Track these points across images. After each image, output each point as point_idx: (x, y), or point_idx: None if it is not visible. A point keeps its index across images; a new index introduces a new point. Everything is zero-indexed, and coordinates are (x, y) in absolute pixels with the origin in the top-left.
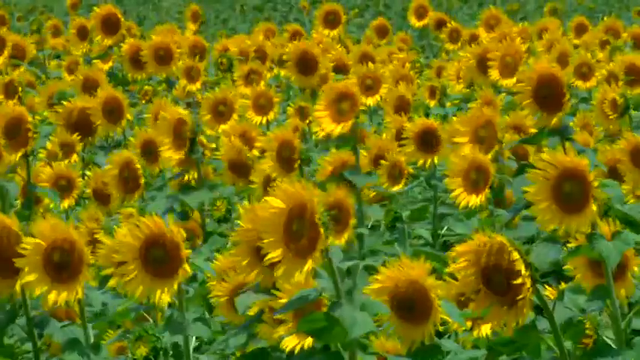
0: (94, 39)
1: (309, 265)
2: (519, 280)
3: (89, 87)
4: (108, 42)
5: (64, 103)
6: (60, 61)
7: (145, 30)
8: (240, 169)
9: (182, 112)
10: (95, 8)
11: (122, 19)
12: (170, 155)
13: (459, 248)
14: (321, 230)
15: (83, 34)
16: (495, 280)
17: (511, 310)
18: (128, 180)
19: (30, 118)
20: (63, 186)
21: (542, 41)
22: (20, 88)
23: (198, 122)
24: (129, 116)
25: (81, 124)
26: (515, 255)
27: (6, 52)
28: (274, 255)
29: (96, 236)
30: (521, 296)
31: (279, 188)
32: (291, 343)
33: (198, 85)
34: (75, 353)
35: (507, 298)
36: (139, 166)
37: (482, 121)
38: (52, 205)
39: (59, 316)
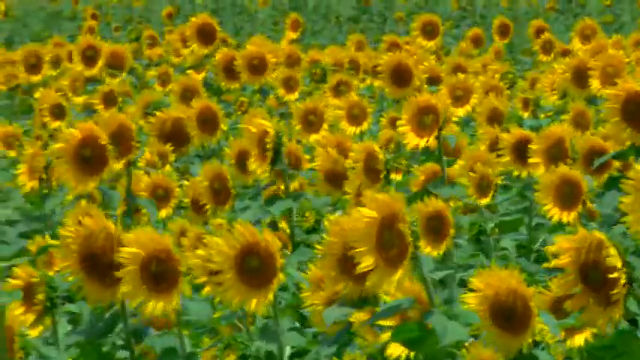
0: (188, 48)
1: (399, 274)
2: (615, 275)
3: (188, 97)
4: (203, 51)
5: (157, 113)
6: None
7: (240, 41)
8: (336, 179)
9: (265, 123)
10: (192, 18)
11: (218, 29)
12: (255, 167)
13: (562, 244)
14: (410, 240)
15: (183, 42)
16: (592, 278)
17: (606, 309)
18: (219, 191)
19: (134, 127)
20: (160, 195)
21: (637, 53)
22: (120, 98)
23: (290, 132)
24: (223, 126)
25: (175, 134)
26: (613, 251)
27: (100, 62)
28: (367, 264)
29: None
30: (616, 291)
31: (372, 198)
32: (395, 351)
33: (296, 94)
34: None
35: (602, 296)
36: (229, 177)
37: (553, 140)
38: (148, 215)
39: (157, 325)
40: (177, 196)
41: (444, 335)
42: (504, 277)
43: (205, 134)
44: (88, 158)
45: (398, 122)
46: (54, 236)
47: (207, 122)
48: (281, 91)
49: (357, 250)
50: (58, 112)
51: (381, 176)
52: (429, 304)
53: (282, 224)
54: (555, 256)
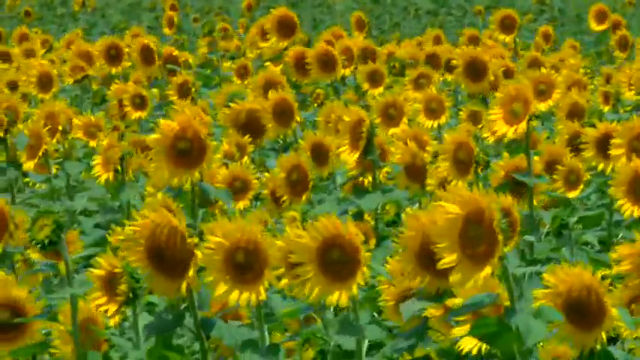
0: (267, 41)
1: (487, 271)
2: None
3: (268, 88)
4: (283, 44)
5: (232, 104)
6: (232, 63)
7: (318, 33)
8: (415, 173)
9: (361, 111)
10: (272, 10)
11: (297, 22)
12: (346, 157)
13: (622, 250)
14: (499, 237)
15: (263, 35)
16: None
17: None
18: (296, 183)
19: (208, 119)
20: (238, 187)
21: None
22: (194, 89)
23: (373, 125)
24: (298, 118)
25: (250, 126)
26: None
27: (156, 63)
28: (449, 260)
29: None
30: None
31: (456, 193)
32: (468, 345)
33: (380, 89)
34: (254, 354)
35: None
36: (307, 168)
37: (637, 132)
38: (225, 207)
39: (227, 318)
40: (254, 188)
41: (527, 335)
42: (578, 273)
43: (281, 126)
44: (185, 150)
45: (489, 110)
46: None
47: (283, 114)
48: (365, 85)
49: (439, 245)
50: (139, 102)
51: (471, 169)
52: (510, 302)
53: (366, 217)
54: (617, 262)
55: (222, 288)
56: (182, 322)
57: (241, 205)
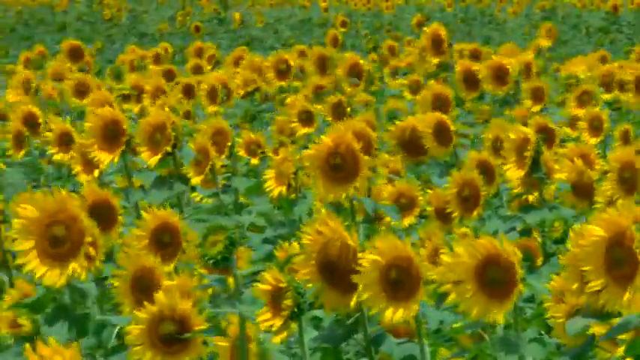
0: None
1: (628, 294)
2: None
3: (438, 106)
4: (435, 61)
5: (396, 121)
6: (403, 78)
7: (489, 50)
8: (582, 190)
9: (526, 130)
10: (425, 28)
11: (445, 39)
12: (512, 175)
13: None
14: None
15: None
16: None
17: None
18: (467, 199)
19: (373, 135)
20: (404, 204)
21: None
22: (349, 109)
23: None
24: (455, 138)
25: (413, 143)
26: None
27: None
28: (595, 284)
29: (440, 252)
30: None
31: (600, 216)
32: None
33: (539, 106)
34: None
35: None
36: (479, 184)
37: None
38: (392, 223)
39: (397, 333)
40: (420, 205)
41: None
42: None
43: (441, 146)
44: (339, 166)
45: None
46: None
47: (442, 133)
48: (528, 102)
49: (586, 268)
50: (306, 117)
51: (636, 188)
52: None
53: (534, 234)
54: None
55: (378, 305)
56: (352, 336)
57: (407, 221)
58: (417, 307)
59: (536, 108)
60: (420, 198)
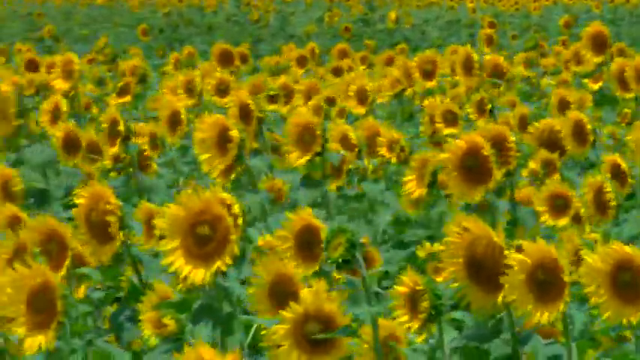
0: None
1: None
2: None
3: (563, 107)
4: (596, 60)
5: (535, 123)
6: (552, 79)
7: (637, 50)
8: None
9: None
10: (586, 28)
11: (609, 38)
12: None
13: None
14: None
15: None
16: None
17: None
18: (600, 204)
19: (512, 137)
20: (559, 205)
21: None
22: (490, 106)
23: None
24: (591, 137)
25: (551, 144)
26: None
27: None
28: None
29: (581, 254)
30: None
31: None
32: None
33: None
34: None
35: None
36: (609, 189)
37: None
38: (546, 224)
39: (544, 333)
40: (575, 206)
41: None
42: None
43: (580, 146)
44: (473, 168)
45: None
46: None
47: (580, 135)
48: None
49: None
50: (451, 118)
51: None
52: None
53: None
54: None
55: (525, 306)
56: (499, 335)
57: (561, 223)
58: (564, 308)
59: None
60: (575, 199)
